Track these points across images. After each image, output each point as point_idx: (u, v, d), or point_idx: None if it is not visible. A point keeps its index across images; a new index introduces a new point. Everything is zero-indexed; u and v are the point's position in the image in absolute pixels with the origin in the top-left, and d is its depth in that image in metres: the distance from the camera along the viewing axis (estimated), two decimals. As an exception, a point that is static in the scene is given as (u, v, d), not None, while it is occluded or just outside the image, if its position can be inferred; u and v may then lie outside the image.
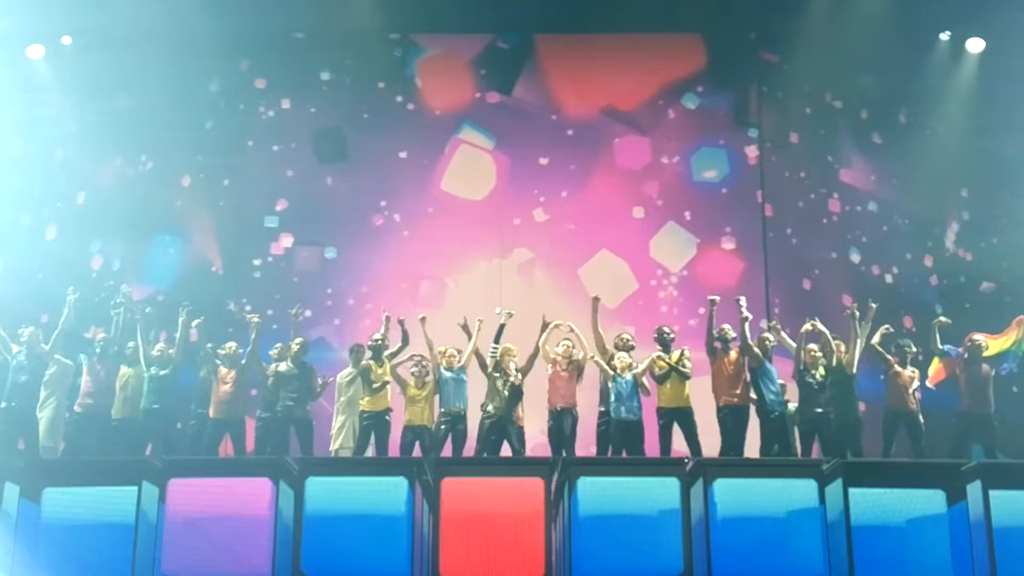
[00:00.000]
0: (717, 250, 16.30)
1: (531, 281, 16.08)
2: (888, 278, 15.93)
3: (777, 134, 16.57)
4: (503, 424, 12.04)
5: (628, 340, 12.52)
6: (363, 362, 12.53)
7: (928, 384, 12.80)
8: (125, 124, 15.85)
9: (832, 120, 16.52)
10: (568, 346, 12.35)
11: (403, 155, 16.47)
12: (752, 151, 16.44)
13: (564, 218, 16.38)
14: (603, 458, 11.93)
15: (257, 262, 16.12)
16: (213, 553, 10.20)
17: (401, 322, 12.67)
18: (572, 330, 12.46)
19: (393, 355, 12.53)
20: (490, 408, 12.12)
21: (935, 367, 12.76)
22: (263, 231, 16.21)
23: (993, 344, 12.47)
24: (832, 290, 15.68)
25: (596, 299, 12.68)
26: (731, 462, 11.38)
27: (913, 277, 16.09)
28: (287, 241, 16.19)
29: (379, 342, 12.52)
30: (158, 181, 16.10)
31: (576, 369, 12.32)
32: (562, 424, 12.10)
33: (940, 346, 12.49)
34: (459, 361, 12.39)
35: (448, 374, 12.34)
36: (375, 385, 12.33)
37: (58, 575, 10.22)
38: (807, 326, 12.38)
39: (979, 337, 12.36)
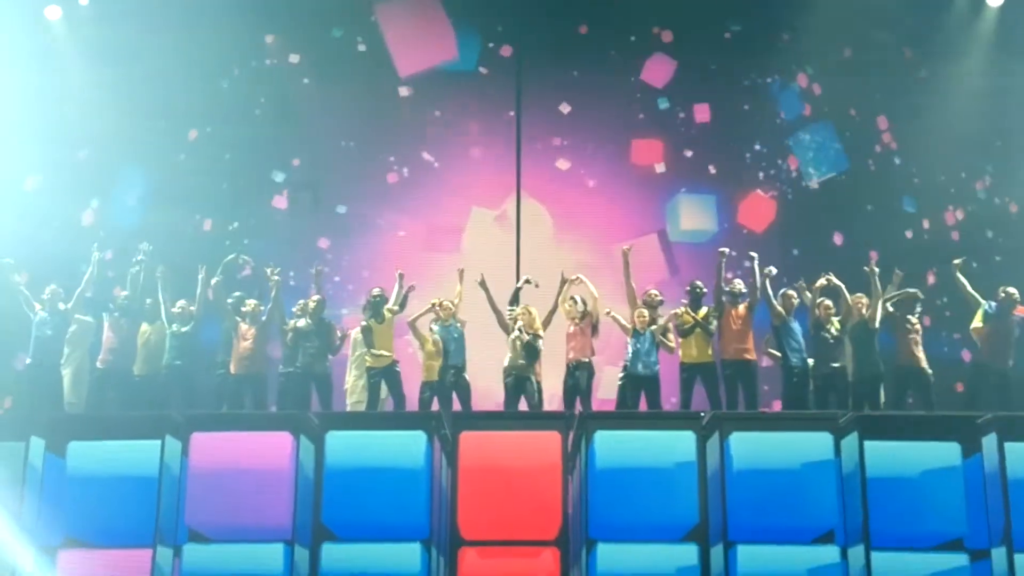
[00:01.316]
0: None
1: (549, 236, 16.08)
2: (908, 234, 15.81)
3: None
4: (521, 381, 12.13)
5: (656, 296, 12.58)
6: (362, 323, 12.65)
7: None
8: (140, 84, 15.82)
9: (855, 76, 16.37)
10: (573, 303, 12.39)
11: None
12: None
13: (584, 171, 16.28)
14: (620, 412, 12.00)
15: (261, 218, 16.06)
16: (235, 506, 10.36)
17: (408, 286, 12.81)
18: (581, 281, 12.52)
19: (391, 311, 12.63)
20: (509, 366, 12.21)
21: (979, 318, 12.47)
22: (273, 186, 16.15)
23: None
24: (860, 247, 15.57)
25: (626, 251, 12.66)
26: (747, 416, 11.44)
27: (937, 233, 15.94)
28: (295, 196, 16.15)
29: (378, 298, 12.59)
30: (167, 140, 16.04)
31: (589, 323, 12.36)
32: (577, 379, 12.17)
33: (976, 296, 12.34)
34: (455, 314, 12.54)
35: (446, 331, 12.46)
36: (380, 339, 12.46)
37: (83, 528, 10.43)
38: (822, 280, 12.42)
39: (1012, 289, 12.23)
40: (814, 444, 10.59)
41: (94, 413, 12.04)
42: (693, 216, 16.15)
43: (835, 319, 12.22)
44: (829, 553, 10.36)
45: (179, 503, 10.49)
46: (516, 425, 11.17)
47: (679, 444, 10.67)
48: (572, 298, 12.43)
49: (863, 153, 16.17)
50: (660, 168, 16.18)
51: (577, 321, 12.32)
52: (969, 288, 12.40)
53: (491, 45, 16.41)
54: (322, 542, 10.47)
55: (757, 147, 16.23)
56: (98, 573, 10.23)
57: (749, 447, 10.53)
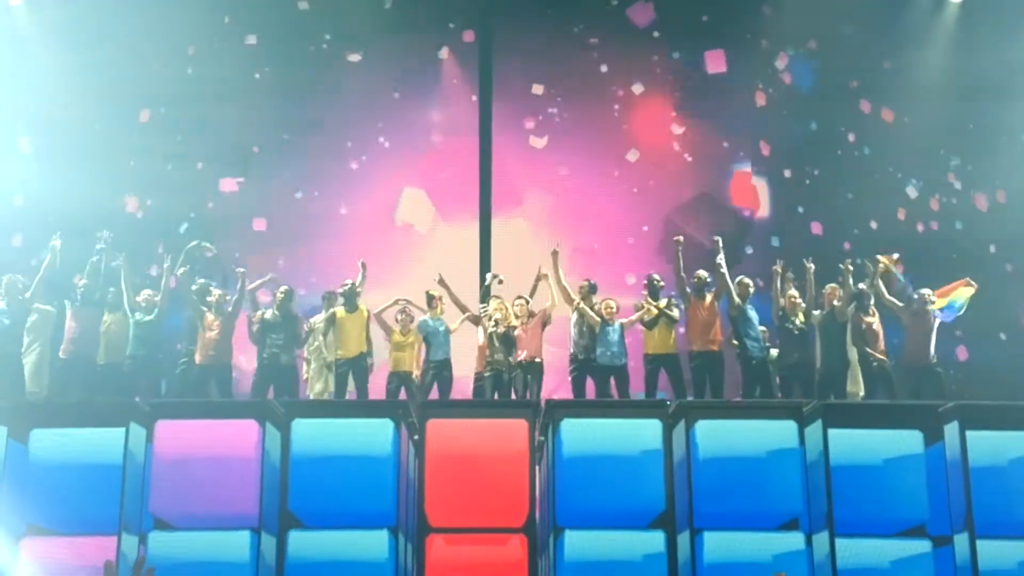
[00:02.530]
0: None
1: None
2: (873, 225, 15.93)
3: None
4: (499, 373, 12.11)
5: (586, 285, 12.57)
6: (332, 309, 12.65)
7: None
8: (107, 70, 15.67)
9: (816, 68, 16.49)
10: (524, 303, 12.41)
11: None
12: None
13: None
14: (586, 400, 12.03)
15: (211, 205, 15.94)
16: (201, 494, 10.29)
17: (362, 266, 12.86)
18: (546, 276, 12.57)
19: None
20: (488, 360, 12.23)
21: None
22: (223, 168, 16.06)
23: (939, 301, 12.49)
24: (836, 237, 15.70)
25: (555, 252, 12.60)
26: (713, 404, 11.53)
27: (900, 224, 16.07)
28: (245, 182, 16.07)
29: (351, 288, 12.58)
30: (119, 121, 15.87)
31: (540, 321, 12.36)
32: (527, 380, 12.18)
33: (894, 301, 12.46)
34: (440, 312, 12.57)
35: (432, 325, 12.48)
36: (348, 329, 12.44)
37: (46, 515, 10.31)
38: (776, 267, 12.48)
39: (927, 291, 12.36)
40: (779, 432, 10.69)
41: (57, 400, 11.92)
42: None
43: (801, 312, 12.26)
44: (794, 539, 10.45)
45: (144, 491, 10.41)
46: (483, 413, 11.19)
47: (645, 432, 10.72)
48: (522, 297, 12.47)
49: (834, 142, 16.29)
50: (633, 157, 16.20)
51: (524, 322, 12.31)
52: (887, 296, 12.43)
53: (451, 26, 16.33)
54: (289, 529, 10.44)
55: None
56: (62, 560, 10.11)
57: (715, 435, 10.60)
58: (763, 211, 16.26)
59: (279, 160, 15.92)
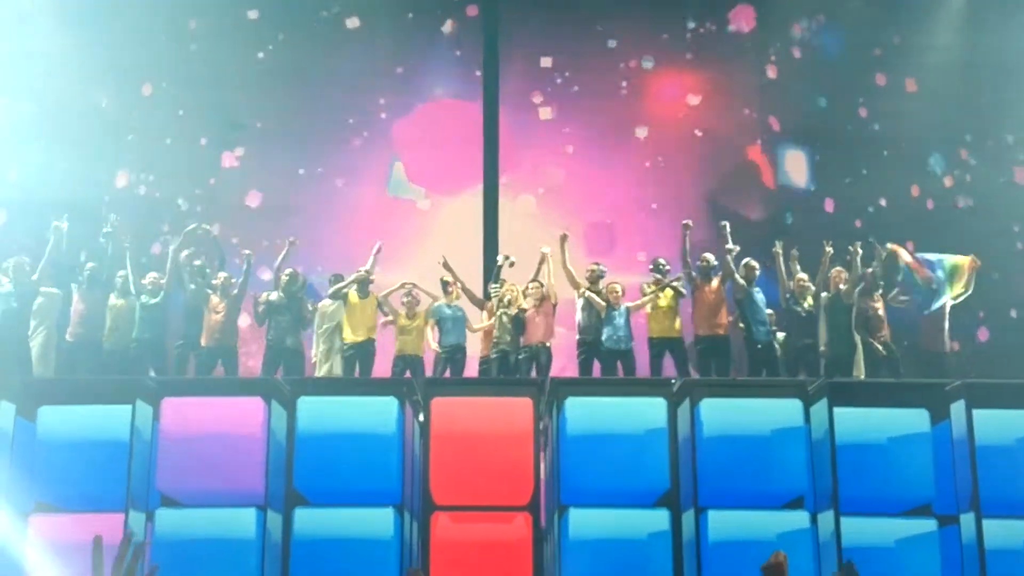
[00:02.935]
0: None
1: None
2: (883, 201, 15.82)
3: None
4: (506, 355, 12.10)
5: (597, 269, 12.53)
6: (344, 291, 12.60)
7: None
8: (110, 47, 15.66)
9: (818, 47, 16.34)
10: (538, 286, 12.35)
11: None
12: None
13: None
14: (591, 379, 12.03)
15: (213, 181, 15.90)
16: (207, 471, 10.34)
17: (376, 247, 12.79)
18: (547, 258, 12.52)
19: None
20: (495, 341, 12.21)
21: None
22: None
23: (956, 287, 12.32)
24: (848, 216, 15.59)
25: (564, 237, 12.57)
26: (717, 382, 11.49)
27: (911, 202, 15.95)
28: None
29: (364, 274, 12.54)
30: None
31: (550, 305, 12.31)
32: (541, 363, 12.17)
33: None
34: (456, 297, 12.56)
35: (447, 311, 12.45)
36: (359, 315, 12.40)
37: (54, 492, 10.39)
38: (776, 248, 12.38)
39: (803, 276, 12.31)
40: (784, 410, 10.66)
41: (65, 377, 11.96)
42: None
43: (809, 295, 12.17)
44: (799, 518, 10.44)
45: (151, 468, 10.46)
46: (488, 391, 11.21)
47: (650, 410, 10.71)
48: (537, 280, 12.41)
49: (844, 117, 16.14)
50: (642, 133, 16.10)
51: (536, 305, 12.25)
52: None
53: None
54: (294, 507, 10.47)
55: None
56: (70, 538, 10.13)
57: (719, 413, 10.58)
58: (775, 187, 16.13)
59: (281, 136, 15.83)
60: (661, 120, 16.14)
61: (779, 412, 10.64)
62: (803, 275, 12.31)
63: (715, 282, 12.22)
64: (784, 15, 16.16)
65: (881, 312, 12.15)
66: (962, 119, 15.84)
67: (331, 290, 12.78)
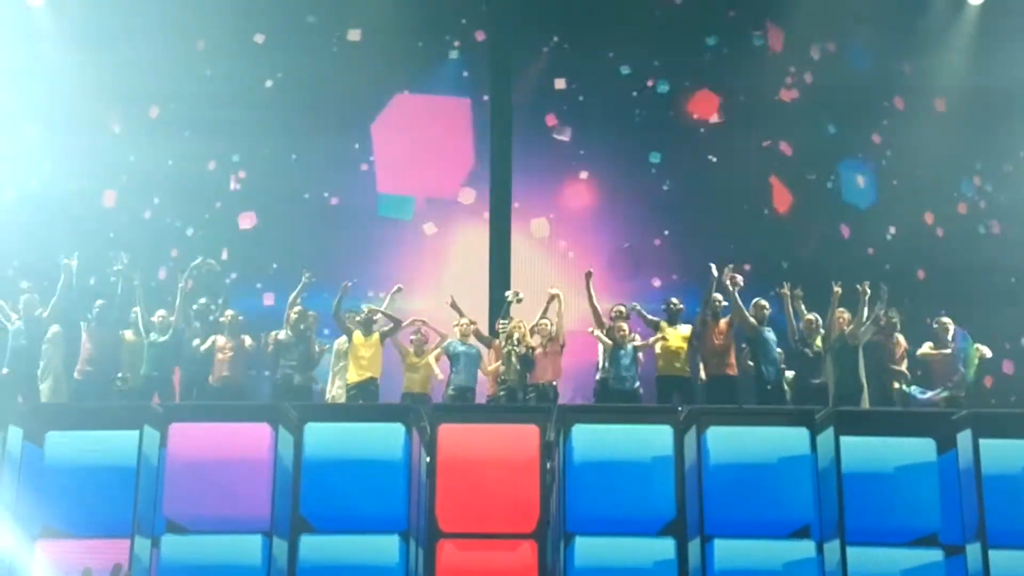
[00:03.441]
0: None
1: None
2: (892, 230, 15.76)
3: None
4: (513, 392, 11.93)
5: (623, 310, 12.40)
6: (350, 325, 12.45)
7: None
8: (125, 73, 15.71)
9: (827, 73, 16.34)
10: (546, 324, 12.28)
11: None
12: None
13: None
14: (597, 405, 11.97)
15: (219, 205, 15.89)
16: (214, 497, 10.37)
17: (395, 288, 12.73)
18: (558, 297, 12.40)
19: (385, 335, 12.43)
20: (502, 379, 12.04)
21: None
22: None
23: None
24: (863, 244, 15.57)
25: (589, 274, 12.44)
26: (724, 410, 11.40)
27: (922, 233, 15.88)
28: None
29: (368, 315, 12.38)
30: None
31: (557, 344, 12.20)
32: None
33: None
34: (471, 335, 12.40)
35: (461, 348, 12.29)
36: (362, 355, 12.24)
37: (61, 517, 10.42)
38: (784, 290, 12.26)
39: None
40: (791, 439, 10.65)
41: (72, 403, 11.97)
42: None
43: (819, 336, 12.00)
44: (805, 548, 10.43)
45: (157, 493, 10.49)
46: (494, 418, 11.21)
47: (656, 438, 10.71)
48: (546, 319, 12.30)
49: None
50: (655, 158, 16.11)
51: (544, 344, 12.17)
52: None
53: (464, 21, 16.16)
54: (300, 533, 10.48)
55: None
56: (76, 562, 10.17)
57: (726, 442, 10.59)
58: (789, 213, 16.08)
59: (288, 160, 15.86)
60: (674, 145, 16.05)
61: (785, 441, 10.63)
62: (811, 315, 12.12)
63: (723, 322, 12.03)
64: (798, 41, 16.11)
65: (902, 349, 12.15)
66: (976, 144, 15.78)
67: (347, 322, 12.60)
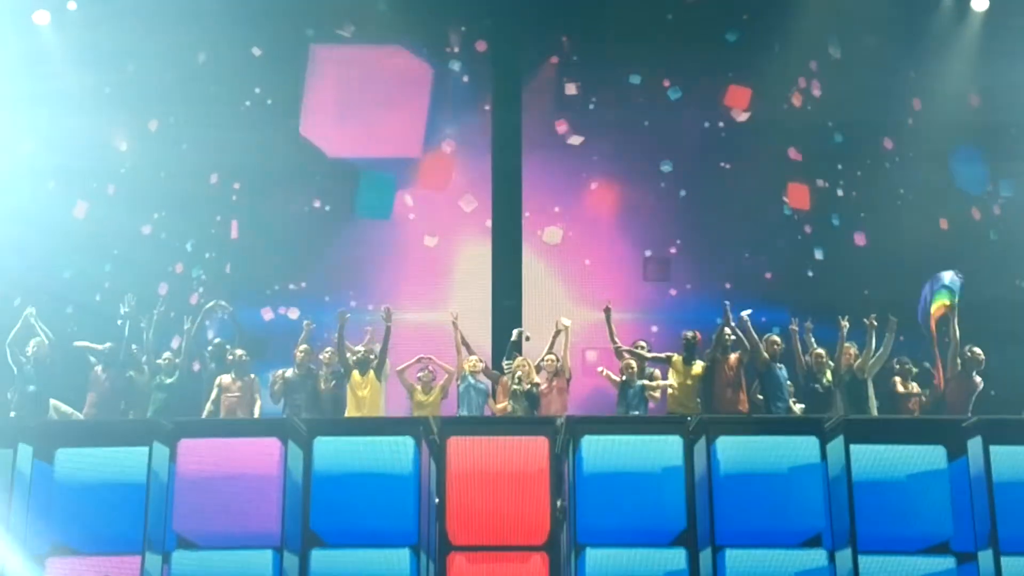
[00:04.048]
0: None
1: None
2: (910, 234, 15.66)
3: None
4: None
5: (645, 348, 12.45)
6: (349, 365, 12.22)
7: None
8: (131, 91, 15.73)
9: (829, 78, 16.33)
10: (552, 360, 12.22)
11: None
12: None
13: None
14: (606, 416, 12.01)
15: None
16: (224, 512, 10.37)
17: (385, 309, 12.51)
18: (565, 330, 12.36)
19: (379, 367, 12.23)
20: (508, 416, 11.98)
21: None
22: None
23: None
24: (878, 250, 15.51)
25: (608, 309, 12.45)
26: (734, 419, 11.38)
27: (939, 234, 15.83)
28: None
29: (363, 355, 12.18)
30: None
31: (564, 380, 12.16)
32: None
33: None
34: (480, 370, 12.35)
35: (471, 381, 12.24)
36: (360, 395, 12.03)
37: (72, 534, 10.42)
38: (792, 325, 12.16)
39: (978, 351, 11.95)
40: (801, 448, 10.63)
41: (82, 420, 11.97)
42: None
43: (828, 370, 11.91)
44: (817, 557, 10.40)
45: (167, 509, 10.47)
46: (504, 430, 11.18)
47: (666, 448, 10.69)
48: (552, 354, 12.27)
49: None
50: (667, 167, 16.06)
51: (550, 380, 12.12)
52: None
53: (463, 29, 16.07)
54: (311, 548, 10.47)
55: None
56: (88, 579, 10.24)
57: (736, 451, 10.56)
58: (804, 221, 16.00)
59: (287, 172, 15.85)
60: (685, 152, 15.97)
61: (796, 449, 10.61)
62: (820, 350, 12.02)
63: (733, 358, 11.85)
64: (804, 48, 16.09)
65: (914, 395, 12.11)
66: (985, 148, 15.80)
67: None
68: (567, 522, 10.67)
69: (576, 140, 15.84)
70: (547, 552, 10.57)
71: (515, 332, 12.90)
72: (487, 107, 16.01)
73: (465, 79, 16.10)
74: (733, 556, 10.29)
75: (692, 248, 15.56)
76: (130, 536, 10.23)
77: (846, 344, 12.00)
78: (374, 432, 10.94)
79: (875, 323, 11.90)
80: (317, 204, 15.70)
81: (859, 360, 11.88)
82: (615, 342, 12.38)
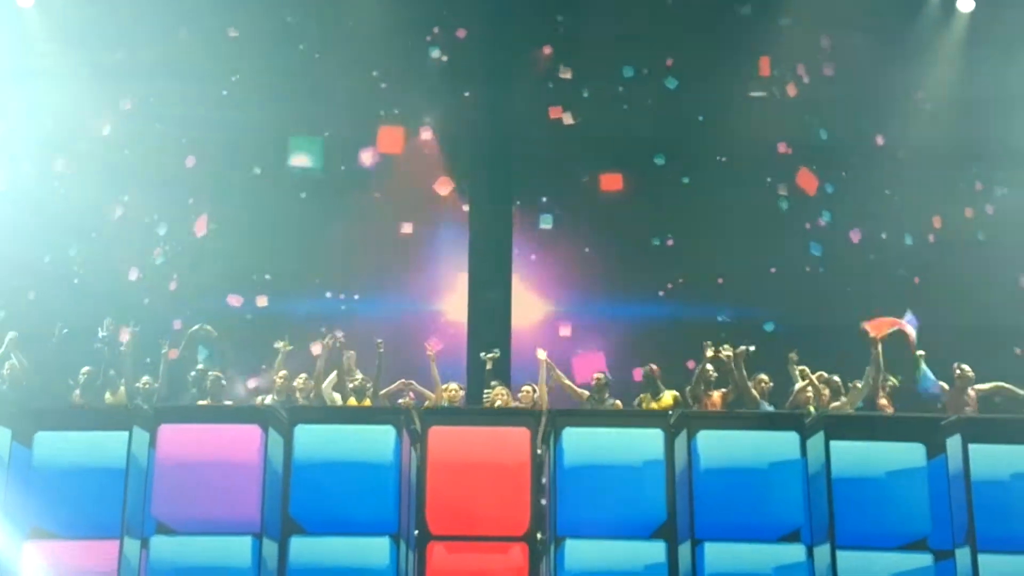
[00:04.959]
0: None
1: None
2: (905, 235, 15.78)
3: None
4: None
5: (602, 379, 12.31)
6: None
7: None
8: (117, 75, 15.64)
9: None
10: (528, 391, 12.22)
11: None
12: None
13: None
14: (588, 409, 12.02)
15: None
16: (203, 498, 10.31)
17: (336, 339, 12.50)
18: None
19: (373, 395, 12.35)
20: None
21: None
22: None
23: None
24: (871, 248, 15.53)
25: (544, 360, 12.25)
26: (714, 415, 11.46)
27: (934, 234, 15.88)
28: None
29: (360, 383, 12.29)
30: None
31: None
32: None
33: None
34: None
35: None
36: None
37: (50, 518, 10.35)
38: (792, 354, 12.22)
39: (967, 368, 11.93)
40: (781, 443, 10.64)
41: (61, 404, 11.91)
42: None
43: (813, 406, 11.90)
44: (795, 552, 10.43)
45: (146, 494, 10.44)
46: (485, 420, 11.20)
47: (647, 442, 10.68)
48: (529, 385, 12.30)
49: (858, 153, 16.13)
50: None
51: None
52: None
53: (444, 13, 16.16)
54: (290, 535, 10.42)
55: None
56: (64, 564, 10.16)
57: (716, 445, 10.58)
58: (799, 217, 16.05)
59: (273, 165, 15.78)
60: (679, 146, 16.02)
61: (776, 445, 10.63)
62: (803, 383, 12.10)
63: (716, 396, 11.87)
64: (800, 40, 16.11)
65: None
66: (975, 151, 15.84)
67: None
68: (547, 505, 10.71)
69: (569, 119, 15.78)
70: (527, 543, 10.55)
71: (482, 354, 12.87)
72: (467, 94, 15.93)
73: (445, 58, 16.00)
74: (712, 550, 10.30)
75: (685, 244, 15.61)
76: (109, 521, 10.15)
77: (822, 385, 11.98)
78: (355, 421, 10.92)
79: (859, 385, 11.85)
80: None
81: (846, 400, 11.90)
82: (567, 384, 12.37)
